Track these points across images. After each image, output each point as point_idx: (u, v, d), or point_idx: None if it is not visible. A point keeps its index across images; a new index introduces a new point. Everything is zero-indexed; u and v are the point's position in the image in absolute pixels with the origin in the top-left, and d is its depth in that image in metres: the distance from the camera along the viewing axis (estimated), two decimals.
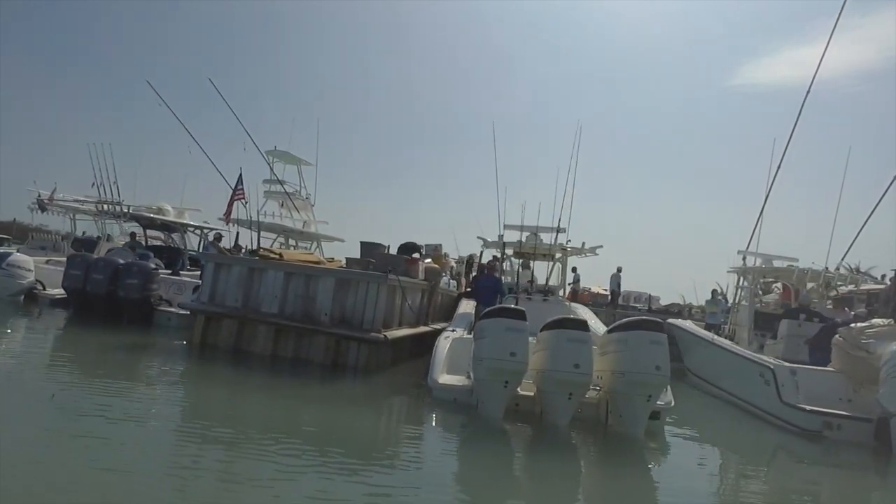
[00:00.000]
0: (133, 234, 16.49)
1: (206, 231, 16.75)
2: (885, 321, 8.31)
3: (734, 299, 13.40)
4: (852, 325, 8.55)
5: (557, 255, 11.90)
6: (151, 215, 15.69)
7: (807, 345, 9.95)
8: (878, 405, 7.50)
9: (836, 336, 8.72)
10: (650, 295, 28.03)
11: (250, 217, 15.41)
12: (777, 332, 10.99)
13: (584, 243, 10.31)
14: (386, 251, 11.51)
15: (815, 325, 10.41)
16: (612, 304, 19.99)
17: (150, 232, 17.90)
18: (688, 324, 14.77)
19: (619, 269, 20.46)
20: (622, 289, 21.66)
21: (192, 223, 16.60)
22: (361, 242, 12.02)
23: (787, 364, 8.88)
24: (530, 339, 6.47)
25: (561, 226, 11.33)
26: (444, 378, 7.11)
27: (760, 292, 16.56)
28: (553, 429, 6.34)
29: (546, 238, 11.68)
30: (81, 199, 15.93)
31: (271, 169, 14.73)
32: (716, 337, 12.07)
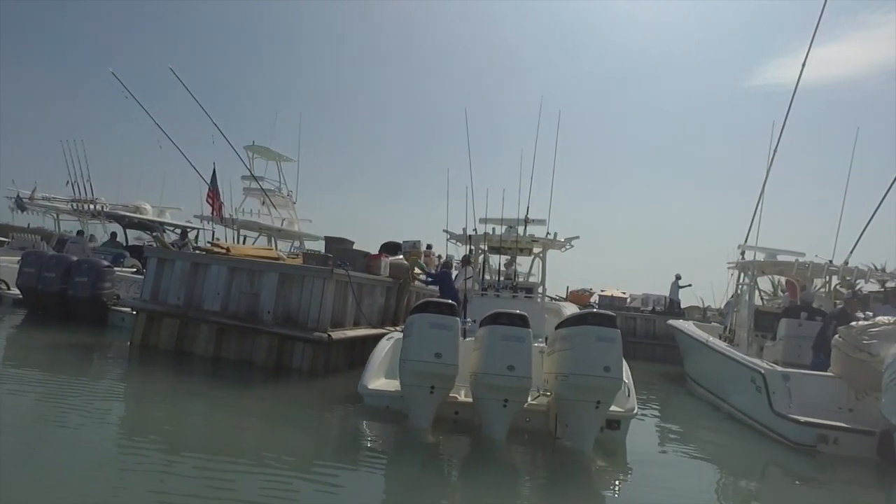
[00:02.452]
0: (114, 234, 16.14)
1: (187, 229, 16.27)
2: (890, 319, 7.26)
3: (734, 297, 12.32)
4: (853, 323, 7.51)
5: (537, 250, 11.01)
6: (128, 214, 15.27)
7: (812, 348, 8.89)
8: (880, 416, 6.50)
9: (836, 336, 7.69)
10: (665, 297, 26.79)
11: (230, 215, 15.00)
12: (776, 333, 9.95)
13: (555, 234, 9.41)
14: (352, 247, 10.83)
15: (817, 324, 9.35)
16: (669, 311, 18.70)
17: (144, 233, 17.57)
18: (687, 325, 13.72)
19: (678, 277, 19.24)
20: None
21: (170, 222, 16.15)
22: (326, 237, 11.38)
23: (779, 369, 7.89)
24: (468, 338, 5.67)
25: (540, 217, 10.52)
26: (376, 383, 6.34)
27: (782, 293, 15.40)
28: (490, 442, 5.50)
29: (529, 231, 10.83)
30: (52, 196, 15.59)
31: (246, 165, 14.18)
32: (710, 338, 11.05)
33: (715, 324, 15.21)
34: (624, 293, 23.50)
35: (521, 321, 5.40)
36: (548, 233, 10.34)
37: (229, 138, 15.40)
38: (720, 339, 11.61)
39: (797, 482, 6.29)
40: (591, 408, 5.19)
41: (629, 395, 6.00)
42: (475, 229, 10.40)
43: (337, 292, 8.62)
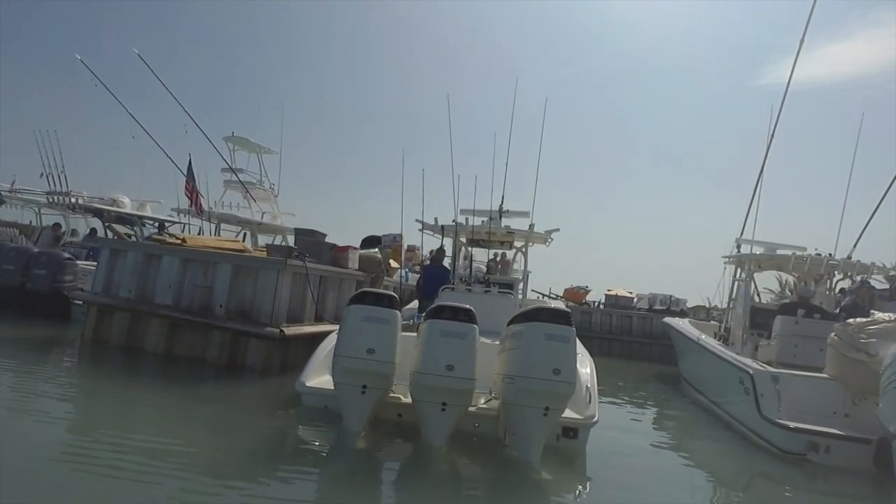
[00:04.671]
0: (93, 230, 15.73)
1: (165, 223, 15.82)
2: (891, 316, 6.59)
3: (730, 293, 11.62)
4: (849, 320, 6.84)
5: (519, 243, 10.43)
6: (104, 207, 14.83)
7: None
8: (878, 422, 5.84)
9: (832, 335, 7.02)
10: (672, 296, 26.01)
11: (211, 208, 14.55)
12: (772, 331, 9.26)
13: (532, 224, 8.85)
14: (324, 240, 10.31)
15: (815, 322, 8.68)
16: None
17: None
18: (682, 323, 13.04)
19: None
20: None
21: (150, 215, 15.70)
22: (296, 229, 10.90)
23: (768, 369, 7.24)
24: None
25: (524, 209, 9.96)
26: (316, 381, 5.79)
27: (790, 293, 14.56)
28: (430, 449, 4.93)
29: (513, 224, 10.29)
30: (25, 189, 15.22)
31: (222, 156, 13.70)
32: (702, 337, 10.39)
33: (714, 322, 14.54)
34: (631, 292, 22.81)
35: (466, 315, 4.83)
36: (531, 224, 9.79)
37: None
38: (715, 337, 10.97)
39: (785, 494, 5.67)
40: (539, 415, 4.60)
41: (590, 401, 5.39)
42: (454, 220, 9.86)
43: (294, 285, 8.10)
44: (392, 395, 5.43)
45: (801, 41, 9.36)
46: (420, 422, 5.00)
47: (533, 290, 18.31)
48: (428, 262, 13.35)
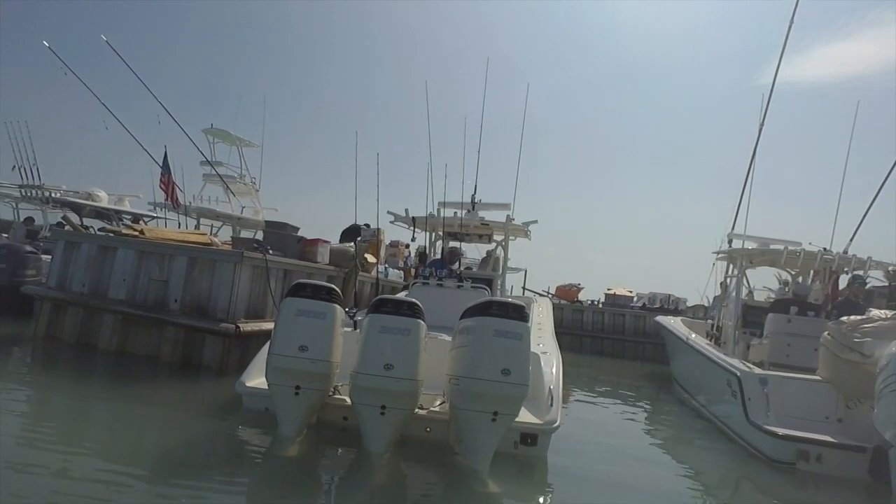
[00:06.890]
0: (60, 224, 15.30)
1: (140, 218, 15.40)
2: (887, 313, 6.08)
3: (723, 290, 11.11)
4: (843, 318, 6.33)
5: (498, 237, 9.95)
6: (79, 201, 14.42)
7: None
8: (873, 428, 5.34)
9: (825, 334, 6.52)
10: (671, 295, 25.49)
11: (190, 202, 14.12)
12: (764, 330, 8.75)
13: (508, 216, 8.36)
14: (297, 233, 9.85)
15: (810, 320, 8.18)
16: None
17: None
18: (673, 321, 12.51)
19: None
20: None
21: (128, 210, 15.29)
22: (266, 222, 10.46)
23: (756, 371, 6.74)
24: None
25: (504, 201, 9.48)
26: (257, 381, 5.33)
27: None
28: (372, 458, 4.46)
29: (491, 217, 9.82)
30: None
31: (198, 148, 13.20)
32: (691, 336, 9.89)
33: (709, 320, 14.02)
34: (630, 291, 22.36)
35: (410, 310, 4.36)
36: (509, 215, 9.31)
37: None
38: (707, 336, 10.47)
39: None
40: (487, 420, 4.11)
41: (552, 404, 4.90)
42: (432, 213, 9.41)
43: (255, 279, 7.64)
44: (337, 396, 4.98)
45: (790, 24, 8.89)
46: (361, 427, 4.53)
47: (528, 290, 17.85)
48: (416, 258, 12.89)
